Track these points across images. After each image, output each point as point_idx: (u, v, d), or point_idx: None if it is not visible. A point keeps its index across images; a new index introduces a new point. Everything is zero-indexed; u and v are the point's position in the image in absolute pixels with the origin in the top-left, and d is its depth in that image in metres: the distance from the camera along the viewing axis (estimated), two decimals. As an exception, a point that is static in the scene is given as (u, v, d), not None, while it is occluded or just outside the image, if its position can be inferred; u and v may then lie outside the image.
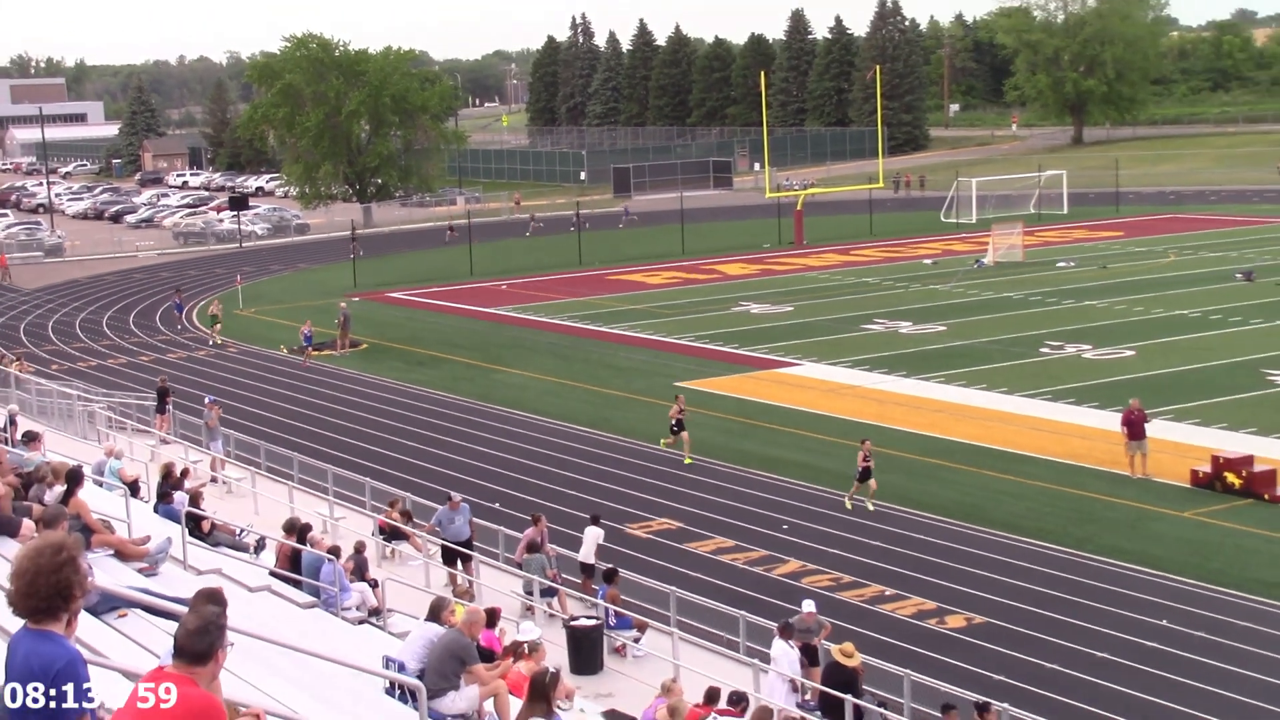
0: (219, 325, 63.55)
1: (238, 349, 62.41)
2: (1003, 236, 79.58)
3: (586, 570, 28.61)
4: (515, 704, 14.54)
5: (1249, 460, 36.12)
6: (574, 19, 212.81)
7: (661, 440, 40.98)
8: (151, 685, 7.08)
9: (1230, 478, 35.61)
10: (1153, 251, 79.10)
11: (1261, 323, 56.66)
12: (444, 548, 29.34)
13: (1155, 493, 36.00)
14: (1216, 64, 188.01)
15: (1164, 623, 27.92)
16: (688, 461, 39.68)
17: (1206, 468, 36.24)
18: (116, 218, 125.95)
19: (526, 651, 18.73)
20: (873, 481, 35.14)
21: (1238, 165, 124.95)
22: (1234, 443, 39.07)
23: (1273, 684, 24.98)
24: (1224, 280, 67.41)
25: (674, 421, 40.19)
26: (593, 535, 29.27)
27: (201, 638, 7.11)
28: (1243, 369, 48.85)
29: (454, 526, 29.60)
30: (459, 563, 28.95)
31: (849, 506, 35.17)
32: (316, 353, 59.68)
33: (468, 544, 29.51)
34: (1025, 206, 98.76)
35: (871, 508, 34.89)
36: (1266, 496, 34.91)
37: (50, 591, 7.26)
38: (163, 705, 6.91)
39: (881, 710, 21.86)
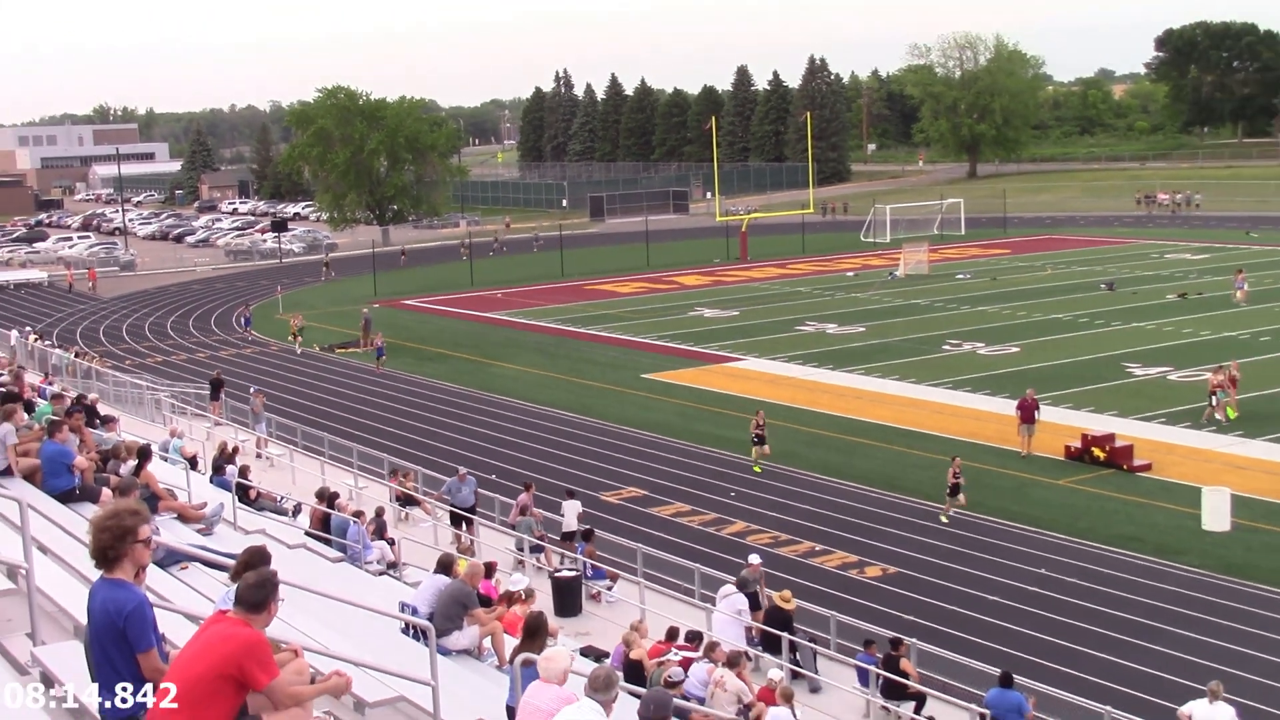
0: (300, 338, 60.38)
1: (277, 347, 62.12)
2: (911, 253, 79.75)
3: (568, 538, 28.39)
4: (509, 641, 14.52)
5: (1111, 438, 36.33)
6: (557, 73, 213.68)
7: (754, 458, 36.62)
8: (213, 625, 7.15)
9: (1097, 452, 35.84)
10: (1033, 266, 79.31)
11: (1121, 325, 56.87)
12: (452, 512, 29.36)
13: (1036, 465, 36.17)
14: (1084, 113, 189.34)
15: (1042, 571, 28.09)
16: (756, 470, 36.13)
17: (1077, 444, 36.46)
18: (179, 238, 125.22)
19: (523, 597, 18.74)
20: (962, 496, 31.43)
21: (1101, 196, 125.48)
22: (1099, 423, 39.24)
23: (1130, 619, 25.18)
24: (1091, 290, 67.65)
25: (755, 435, 36.38)
26: (571, 507, 29.18)
27: (258, 591, 7.23)
28: (1106, 363, 49.05)
29: (461, 495, 29.62)
30: (463, 525, 28.94)
31: (945, 521, 31.25)
32: (342, 350, 59.50)
33: (471, 510, 29.53)
34: (930, 229, 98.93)
35: (945, 520, 31.34)
36: (1125, 467, 35.12)
37: (121, 546, 7.34)
38: (221, 641, 7.01)
39: (812, 645, 21.93)
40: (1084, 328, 56.79)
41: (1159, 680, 22.33)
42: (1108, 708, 18.10)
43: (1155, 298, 63.92)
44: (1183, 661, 23.16)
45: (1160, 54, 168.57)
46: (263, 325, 69.10)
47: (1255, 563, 28.04)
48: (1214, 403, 39.29)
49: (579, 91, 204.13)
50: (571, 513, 28.87)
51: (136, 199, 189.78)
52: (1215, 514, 30.38)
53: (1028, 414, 36.95)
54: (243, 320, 66.94)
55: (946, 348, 53.68)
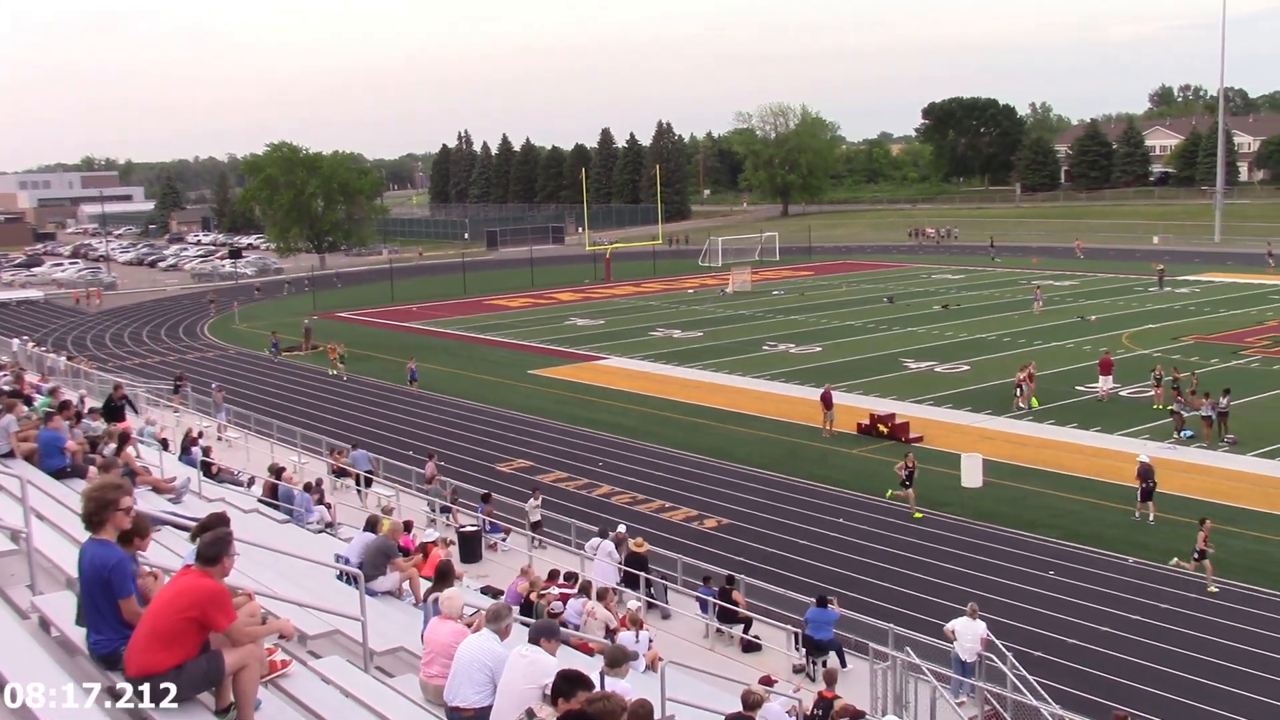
0: (344, 364, 52.11)
1: (235, 351, 60.68)
2: (738, 274, 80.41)
3: (535, 527, 26.49)
4: (423, 584, 14.35)
5: (892, 416, 36.99)
6: (459, 133, 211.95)
7: (888, 492, 30.05)
8: (181, 577, 7.00)
9: (881, 427, 36.48)
10: (832, 284, 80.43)
11: (899, 329, 57.94)
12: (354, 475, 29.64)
13: (836, 439, 36.70)
14: (869, 165, 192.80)
15: (840, 520, 28.52)
16: (917, 516, 28.55)
17: (867, 421, 37.06)
18: (152, 264, 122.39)
19: (435, 547, 18.51)
20: (1209, 563, 23.69)
21: (883, 230, 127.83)
22: (883, 405, 39.95)
23: (907, 556, 25.64)
24: (876, 302, 68.84)
25: (904, 476, 29.30)
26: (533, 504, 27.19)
27: (212, 547, 7.08)
28: (888, 359, 49.93)
29: (358, 463, 30.13)
30: (364, 484, 29.11)
31: (1214, 590, 23.26)
32: (288, 354, 58.20)
33: (370, 474, 29.80)
34: (752, 255, 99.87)
35: (1215, 589, 23.35)
36: (903, 438, 35.75)
37: (106, 513, 7.20)
38: (186, 591, 6.88)
39: (664, 582, 22.02)
40: (871, 331, 57.74)
41: (929, 602, 22.81)
42: (891, 625, 18.42)
43: (924, 308, 65.23)
44: (947, 588, 23.68)
45: (926, 121, 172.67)
46: (226, 335, 67.55)
47: (1001, 511, 28.77)
48: (1020, 394, 39.58)
49: (477, 147, 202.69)
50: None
51: (117, 232, 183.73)
52: (971, 474, 31.11)
53: (827, 401, 37.49)
54: (271, 345, 59.16)
55: (766, 348, 54.20)
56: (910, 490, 29.00)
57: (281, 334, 61.31)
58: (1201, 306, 62.07)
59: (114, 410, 25.07)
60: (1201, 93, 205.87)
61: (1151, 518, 27.54)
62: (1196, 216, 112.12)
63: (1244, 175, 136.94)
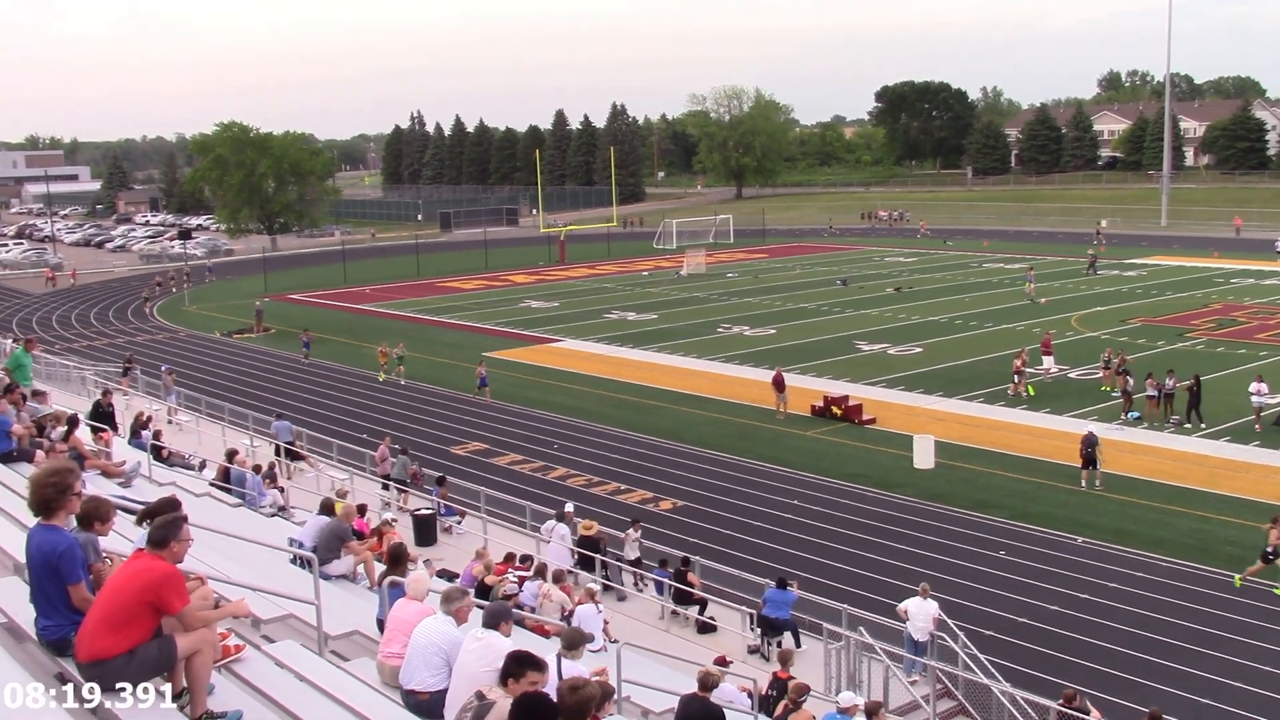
0: (401, 367, 45.96)
1: (185, 333, 59.94)
2: (693, 257, 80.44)
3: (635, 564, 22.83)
4: (378, 567, 14.27)
5: (846, 398, 37.19)
6: (412, 114, 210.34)
7: (1237, 579, 22.76)
8: (134, 561, 6.93)
9: (835, 409, 36.66)
10: (786, 267, 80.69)
11: (852, 312, 58.22)
12: (276, 445, 30.02)
13: (789, 420, 36.85)
14: (823, 149, 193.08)
15: (795, 502, 28.66)
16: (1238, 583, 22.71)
17: (820, 403, 37.23)
18: (100, 245, 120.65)
19: (389, 530, 18.42)
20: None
21: (836, 213, 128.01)
22: (836, 387, 40.14)
23: (861, 537, 25.83)
24: (829, 285, 69.12)
25: (1271, 549, 22.46)
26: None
27: (162, 530, 7.00)
28: (841, 341, 50.17)
29: (280, 434, 30.52)
30: (283, 454, 29.57)
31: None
32: (239, 336, 57.62)
33: (290, 444, 30.19)
34: (707, 238, 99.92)
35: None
36: (856, 420, 36.01)
37: (55, 496, 7.13)
38: (141, 573, 6.79)
39: (619, 564, 22.04)
40: (824, 314, 57.98)
41: (883, 583, 22.98)
42: (845, 605, 18.55)
43: (877, 291, 65.57)
44: (900, 568, 23.88)
45: (879, 104, 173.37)
46: (176, 317, 66.70)
47: (953, 492, 29.06)
48: (1016, 380, 38.92)
49: (430, 128, 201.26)
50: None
51: (63, 212, 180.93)
52: (923, 455, 31.41)
53: (779, 384, 37.61)
54: (303, 344, 51.63)
55: (720, 330, 54.28)
56: (1264, 565, 22.71)
57: (234, 317, 60.62)
58: (1149, 289, 62.86)
59: (103, 416, 24.40)
60: (1149, 78, 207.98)
61: (1098, 483, 28.62)
62: (1143, 200, 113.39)
63: (1190, 160, 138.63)
